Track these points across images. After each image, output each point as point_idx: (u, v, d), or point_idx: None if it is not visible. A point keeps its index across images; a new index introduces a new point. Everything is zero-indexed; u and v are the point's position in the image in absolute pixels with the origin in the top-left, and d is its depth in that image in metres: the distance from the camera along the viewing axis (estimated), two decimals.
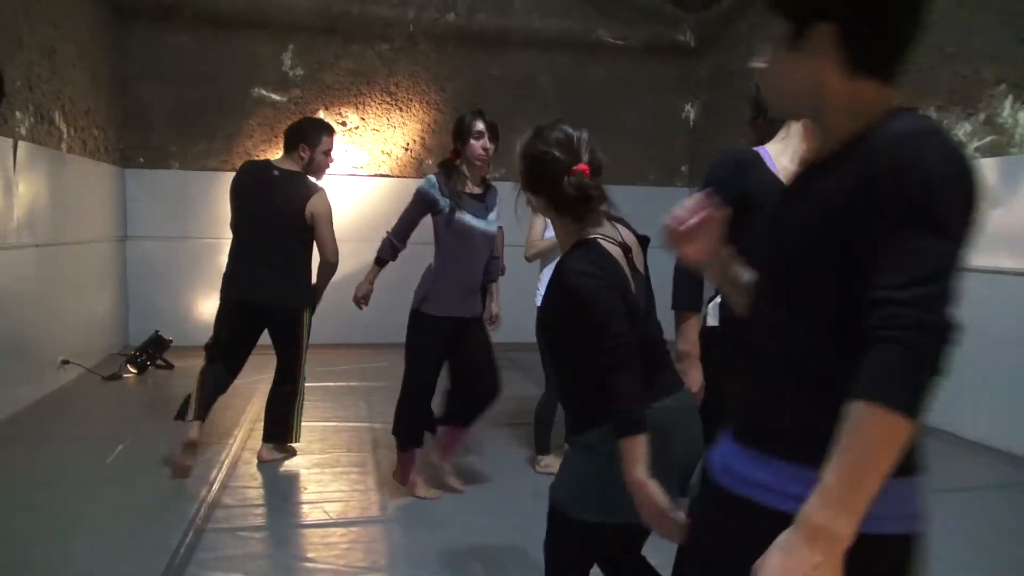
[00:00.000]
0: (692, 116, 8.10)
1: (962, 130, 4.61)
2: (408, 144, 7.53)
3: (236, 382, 3.90)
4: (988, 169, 4.32)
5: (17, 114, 4.62)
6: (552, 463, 3.67)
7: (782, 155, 2.10)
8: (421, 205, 3.27)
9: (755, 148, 2.11)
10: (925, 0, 1.05)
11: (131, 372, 5.91)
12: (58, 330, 5.35)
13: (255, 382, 4.69)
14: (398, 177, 7.41)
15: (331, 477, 3.72)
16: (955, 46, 4.65)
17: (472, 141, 3.21)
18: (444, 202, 3.21)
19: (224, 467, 3.75)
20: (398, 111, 7.43)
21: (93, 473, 3.65)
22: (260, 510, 3.32)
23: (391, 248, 3.35)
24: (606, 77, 7.82)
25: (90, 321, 6.14)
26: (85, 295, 6.02)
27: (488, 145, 3.24)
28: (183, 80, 6.98)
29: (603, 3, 7.72)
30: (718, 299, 2.24)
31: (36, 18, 4.93)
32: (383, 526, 3.15)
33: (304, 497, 3.46)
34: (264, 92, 7.17)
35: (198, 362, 6.19)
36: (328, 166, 3.89)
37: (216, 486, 3.48)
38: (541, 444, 3.84)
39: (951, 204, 0.95)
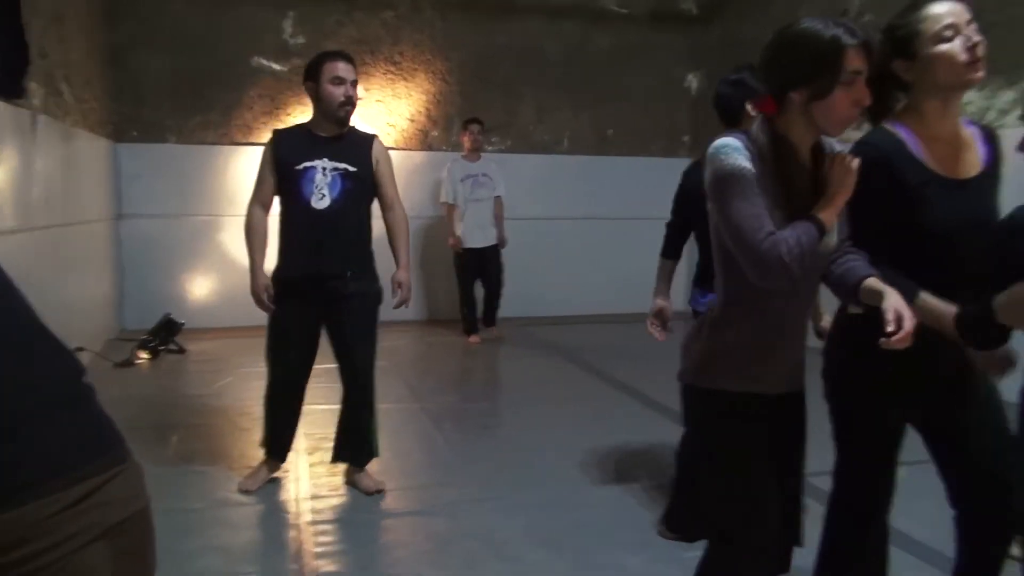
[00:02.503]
0: (695, 86, 8.06)
1: (1003, 100, 4.67)
2: (413, 116, 7.30)
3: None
4: None
5: (33, 84, 4.28)
6: None
7: (924, 134, 1.78)
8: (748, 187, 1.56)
9: (888, 127, 1.77)
10: None
11: (143, 358, 5.62)
12: (62, 316, 5.02)
13: None
14: (403, 150, 7.16)
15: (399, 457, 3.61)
16: (997, 12, 4.68)
17: (838, 92, 1.54)
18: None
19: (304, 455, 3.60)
20: (403, 81, 7.19)
21: (160, 465, 3.45)
22: (353, 498, 3.17)
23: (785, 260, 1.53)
24: (612, 46, 7.71)
25: (90, 306, 5.81)
26: (85, 278, 5.68)
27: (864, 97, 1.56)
28: (178, 49, 6.61)
29: None
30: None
31: None
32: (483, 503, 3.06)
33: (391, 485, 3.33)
34: (264, 62, 6.85)
35: (208, 345, 6.08)
36: (343, 97, 2.98)
37: (305, 479, 3.34)
38: None
39: None
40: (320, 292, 3.04)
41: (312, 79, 3.04)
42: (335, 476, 3.33)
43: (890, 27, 1.81)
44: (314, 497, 3.12)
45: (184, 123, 6.72)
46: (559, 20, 7.52)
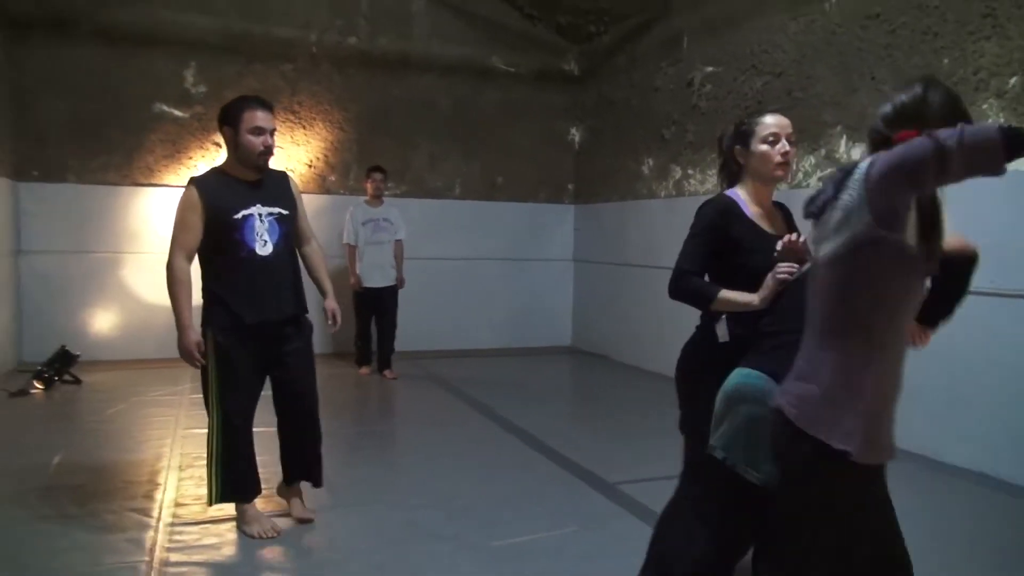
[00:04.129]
0: (577, 139, 8.81)
1: (807, 163, 5.48)
2: (312, 161, 7.79)
3: None
4: None
5: None
6: None
7: (750, 201, 2.42)
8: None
9: (727, 193, 2.43)
10: None
11: (38, 388, 5.88)
12: None
13: None
14: (303, 193, 7.60)
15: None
16: (802, 92, 5.52)
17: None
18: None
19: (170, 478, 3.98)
20: (302, 129, 7.68)
21: (39, 478, 3.79)
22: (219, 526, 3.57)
23: None
24: (500, 101, 8.40)
25: None
26: None
27: None
28: (81, 94, 6.95)
29: (496, 32, 8.30)
30: (724, 317, 2.38)
31: None
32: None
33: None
34: (165, 108, 7.25)
35: (105, 376, 6.36)
36: (262, 147, 3.05)
37: (172, 489, 3.74)
38: None
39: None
40: (271, 335, 3.13)
41: (230, 125, 3.03)
42: (202, 487, 3.72)
43: (738, 123, 2.48)
44: (177, 504, 3.53)
45: (85, 164, 7.04)
46: (450, 76, 8.17)
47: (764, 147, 2.36)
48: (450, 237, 8.31)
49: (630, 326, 7.69)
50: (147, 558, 2.96)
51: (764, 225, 2.41)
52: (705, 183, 6.58)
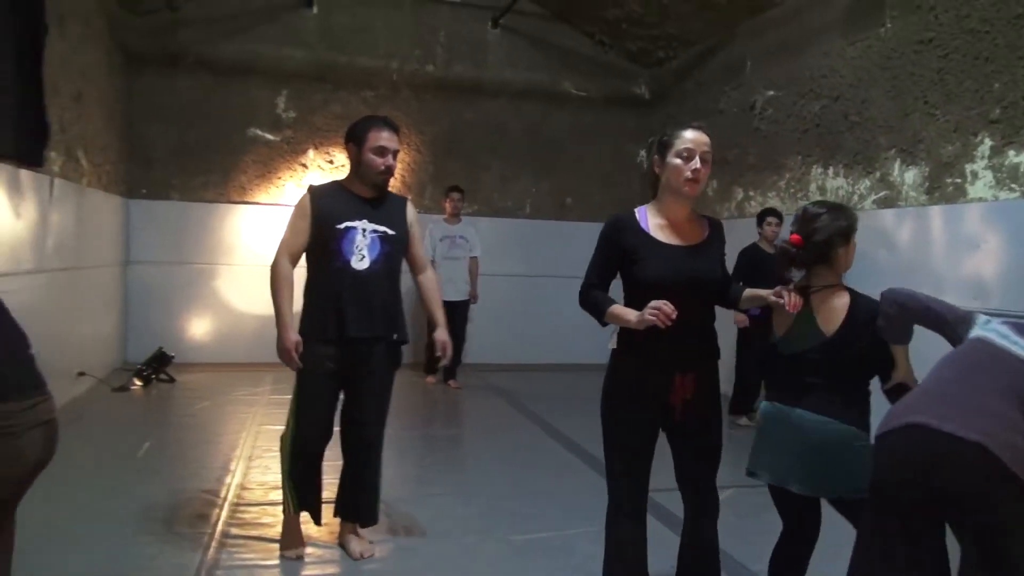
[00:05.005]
0: (646, 161, 8.97)
1: (863, 186, 5.51)
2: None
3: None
4: (882, 219, 5.22)
5: (52, 154, 5.27)
6: None
7: (656, 214, 2.50)
8: None
9: (636, 209, 2.53)
10: None
11: (137, 384, 6.51)
12: (71, 346, 5.91)
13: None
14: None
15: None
16: (858, 115, 5.56)
17: None
18: None
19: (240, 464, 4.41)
20: None
21: (128, 463, 4.29)
22: (276, 490, 3.95)
23: None
24: (570, 124, 8.69)
25: (96, 338, 6.73)
26: (94, 315, 6.60)
27: None
28: (185, 120, 7.66)
29: (567, 58, 8.61)
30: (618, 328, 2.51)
31: (70, 67, 5.60)
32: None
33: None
34: (259, 132, 7.89)
35: (196, 377, 6.96)
36: (383, 167, 3.01)
37: (240, 474, 4.16)
38: None
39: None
40: (351, 351, 3.05)
41: (355, 142, 3.02)
42: (266, 475, 4.15)
43: (662, 134, 2.53)
44: (243, 488, 3.95)
45: (187, 183, 7.74)
46: (522, 101, 8.53)
47: (677, 161, 2.39)
48: (519, 255, 8.62)
49: None
50: (210, 530, 3.37)
51: (663, 236, 2.45)
52: (766, 204, 6.65)
